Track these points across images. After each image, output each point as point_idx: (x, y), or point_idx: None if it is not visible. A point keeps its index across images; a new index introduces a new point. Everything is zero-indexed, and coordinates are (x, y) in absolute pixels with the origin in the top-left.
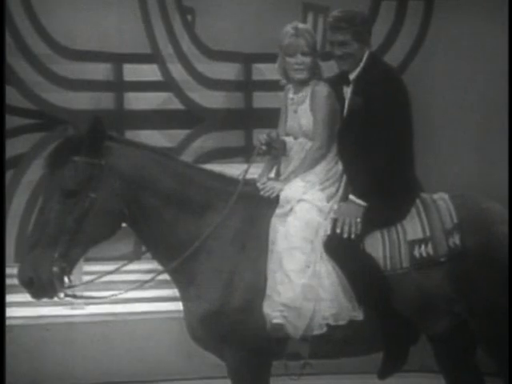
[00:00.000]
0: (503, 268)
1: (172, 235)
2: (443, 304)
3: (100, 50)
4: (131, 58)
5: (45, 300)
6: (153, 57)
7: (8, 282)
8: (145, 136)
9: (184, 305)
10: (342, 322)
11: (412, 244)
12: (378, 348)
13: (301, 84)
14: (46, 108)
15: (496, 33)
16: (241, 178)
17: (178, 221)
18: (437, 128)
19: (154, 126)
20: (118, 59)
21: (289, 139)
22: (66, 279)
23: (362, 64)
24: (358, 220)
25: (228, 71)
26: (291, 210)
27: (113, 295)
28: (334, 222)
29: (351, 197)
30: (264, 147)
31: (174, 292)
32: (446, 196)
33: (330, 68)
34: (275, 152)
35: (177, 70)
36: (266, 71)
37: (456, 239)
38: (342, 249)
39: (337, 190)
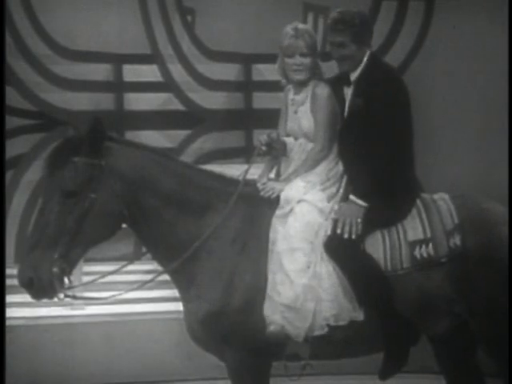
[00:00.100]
0: (503, 268)
1: (172, 236)
2: (444, 304)
3: (100, 51)
4: (131, 58)
5: (45, 300)
6: (153, 57)
7: (8, 282)
8: (145, 137)
9: (184, 305)
10: (342, 323)
11: (413, 244)
12: (378, 348)
13: (301, 85)
14: (46, 108)
15: (496, 33)
16: (241, 178)
17: (178, 221)
18: (437, 128)
19: (154, 126)
20: (118, 60)
21: (289, 140)
22: (65, 280)
23: (362, 65)
24: (359, 220)
25: (228, 72)
26: (291, 210)
27: (113, 296)
28: (335, 222)
29: (352, 197)
30: (264, 148)
31: (174, 292)
32: (446, 196)
33: (330, 68)
34: (275, 153)
35: (177, 71)
36: (265, 72)
37: (457, 240)
38: (342, 249)
39: (337, 191)
